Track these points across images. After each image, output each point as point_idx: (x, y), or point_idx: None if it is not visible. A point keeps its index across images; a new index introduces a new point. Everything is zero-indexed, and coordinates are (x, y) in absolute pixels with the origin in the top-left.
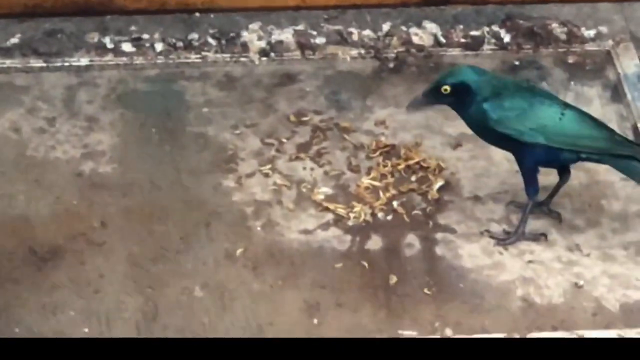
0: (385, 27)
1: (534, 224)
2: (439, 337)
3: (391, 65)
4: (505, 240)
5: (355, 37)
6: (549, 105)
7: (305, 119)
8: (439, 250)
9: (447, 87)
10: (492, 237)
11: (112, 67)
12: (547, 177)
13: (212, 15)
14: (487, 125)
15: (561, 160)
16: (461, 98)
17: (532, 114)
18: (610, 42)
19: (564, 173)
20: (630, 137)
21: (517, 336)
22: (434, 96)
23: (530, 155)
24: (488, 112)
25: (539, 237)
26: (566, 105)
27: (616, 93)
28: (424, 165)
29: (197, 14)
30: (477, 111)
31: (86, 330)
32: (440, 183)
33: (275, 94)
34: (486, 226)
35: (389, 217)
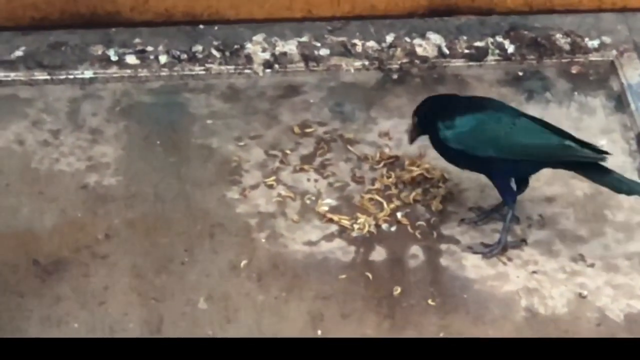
0: (389, 38)
1: (534, 234)
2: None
3: (395, 76)
4: (489, 252)
5: (359, 49)
6: (499, 118)
7: (309, 130)
8: (443, 261)
9: (415, 119)
10: (475, 252)
11: (116, 80)
12: (551, 187)
13: (216, 27)
14: (443, 143)
15: (521, 170)
16: (425, 129)
17: (482, 128)
18: (614, 52)
19: (521, 184)
20: (634, 146)
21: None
22: (416, 131)
23: (492, 170)
24: (442, 131)
25: (520, 243)
26: (519, 115)
27: (620, 103)
28: (428, 176)
29: (201, 26)
30: (434, 132)
31: None
32: (443, 194)
33: (279, 105)
34: (490, 237)
35: (393, 228)
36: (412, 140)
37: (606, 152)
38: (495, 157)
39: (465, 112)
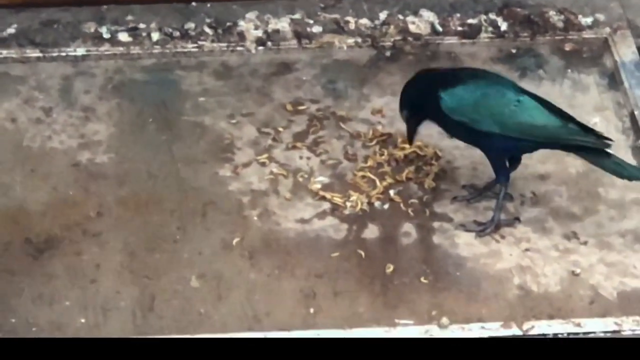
0: (382, 15)
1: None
2: (436, 336)
3: (388, 53)
4: (482, 230)
5: (352, 26)
6: (504, 94)
7: (301, 107)
8: (435, 238)
9: (404, 113)
10: (468, 230)
11: (109, 57)
12: (544, 165)
13: (208, 5)
14: (444, 114)
15: (520, 149)
16: (418, 114)
17: (486, 101)
18: (608, 29)
19: (514, 161)
20: (628, 124)
21: (516, 332)
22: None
23: (490, 146)
24: (444, 100)
25: (513, 221)
26: (522, 92)
27: (613, 81)
28: (421, 153)
29: (194, 4)
30: (434, 100)
31: (82, 320)
32: (436, 172)
33: (272, 83)
34: (483, 215)
35: (386, 206)
36: (411, 138)
37: (609, 139)
38: (496, 133)
39: (467, 82)
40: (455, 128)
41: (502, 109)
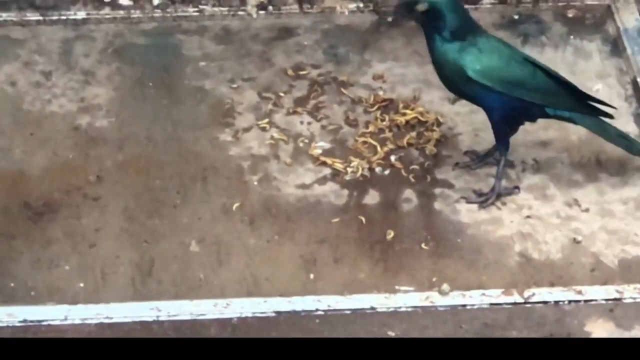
0: None
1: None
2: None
3: (390, 19)
4: (484, 201)
5: None
6: (501, 50)
7: (303, 72)
8: (436, 205)
9: (424, 5)
10: (469, 202)
11: (109, 21)
12: (546, 131)
13: None
14: (449, 61)
15: (522, 109)
16: (432, 22)
17: (486, 57)
18: None
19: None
20: (630, 91)
21: (517, 299)
22: (407, 10)
23: (495, 107)
24: (469, 65)
25: (513, 190)
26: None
27: (616, 47)
28: (422, 119)
29: None
30: (443, 50)
31: (81, 284)
32: (437, 137)
33: (273, 47)
34: (484, 182)
35: (387, 172)
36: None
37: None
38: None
39: (477, 36)
40: (455, 82)
41: (524, 78)
